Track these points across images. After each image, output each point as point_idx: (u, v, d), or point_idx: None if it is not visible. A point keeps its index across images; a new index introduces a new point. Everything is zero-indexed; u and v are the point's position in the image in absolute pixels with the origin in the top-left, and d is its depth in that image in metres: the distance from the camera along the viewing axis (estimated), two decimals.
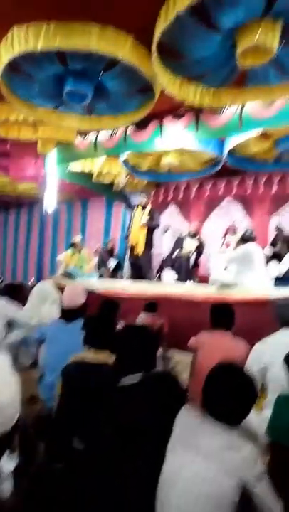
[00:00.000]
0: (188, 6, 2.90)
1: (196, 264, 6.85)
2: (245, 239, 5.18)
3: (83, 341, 2.15)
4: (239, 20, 3.13)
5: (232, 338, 2.75)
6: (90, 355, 2.07)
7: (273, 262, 5.67)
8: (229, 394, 1.40)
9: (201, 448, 1.34)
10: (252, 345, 2.71)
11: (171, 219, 8.26)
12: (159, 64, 3.60)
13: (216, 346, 2.64)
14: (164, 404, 1.54)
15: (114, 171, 7.68)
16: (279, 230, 6.43)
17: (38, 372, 3.18)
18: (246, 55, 3.32)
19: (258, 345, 2.48)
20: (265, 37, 3.12)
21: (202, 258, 7.10)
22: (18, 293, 3.93)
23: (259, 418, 2.25)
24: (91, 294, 5.06)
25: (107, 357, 2.05)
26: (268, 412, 2.23)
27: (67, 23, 3.43)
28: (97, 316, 2.28)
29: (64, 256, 7.33)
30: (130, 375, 1.56)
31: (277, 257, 5.61)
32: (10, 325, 3.87)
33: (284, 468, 1.55)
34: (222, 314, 2.85)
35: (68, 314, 2.86)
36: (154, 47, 3.40)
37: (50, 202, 7.33)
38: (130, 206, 6.95)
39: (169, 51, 3.58)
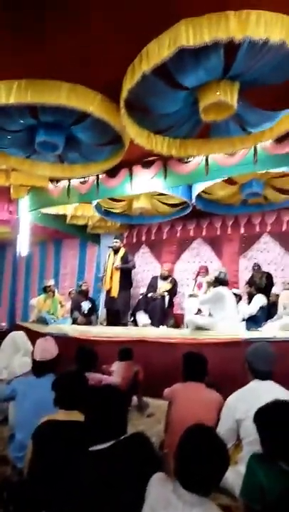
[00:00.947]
0: (153, 66, 3.09)
1: (171, 304, 6.88)
2: (218, 281, 5.29)
3: (54, 402, 2.10)
4: (201, 80, 3.36)
5: (205, 389, 2.74)
6: (61, 417, 2.01)
7: (244, 303, 5.79)
8: (201, 468, 1.37)
9: None
10: (226, 386, 2.71)
11: (144, 260, 8.35)
12: (127, 118, 3.78)
13: (189, 399, 2.62)
14: (136, 468, 1.51)
15: (87, 213, 7.80)
16: (254, 269, 6.56)
17: (8, 430, 3.05)
18: (208, 110, 3.55)
19: (230, 399, 2.47)
20: (225, 95, 3.35)
21: (176, 298, 7.15)
22: None
23: (234, 473, 2.22)
24: (64, 340, 4.99)
25: (79, 416, 2.00)
26: (242, 468, 2.20)
27: (39, 80, 3.59)
28: (65, 376, 2.22)
29: (36, 301, 7.21)
30: (100, 443, 1.53)
31: (250, 297, 5.72)
32: None
33: None
34: (194, 365, 2.84)
35: (40, 368, 2.78)
36: (121, 103, 3.58)
37: (23, 245, 7.29)
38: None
39: (136, 107, 3.77)
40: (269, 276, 6.38)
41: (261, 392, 2.33)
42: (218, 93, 3.38)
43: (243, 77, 3.39)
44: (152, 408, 4.35)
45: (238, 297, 5.88)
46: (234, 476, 2.16)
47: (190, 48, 2.86)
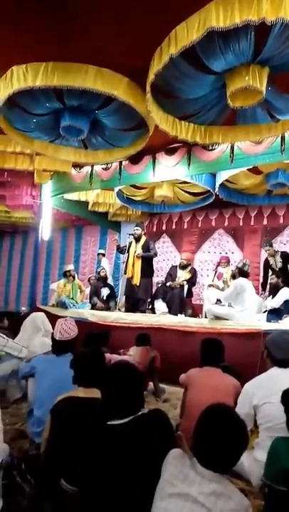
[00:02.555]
0: (181, 49, 3.04)
1: (190, 294, 6.84)
2: (241, 272, 5.23)
3: (72, 380, 2.13)
4: (229, 64, 3.28)
5: (222, 374, 2.74)
6: (81, 394, 2.04)
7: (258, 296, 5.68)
8: (219, 445, 1.38)
9: (191, 495, 1.31)
10: (243, 377, 2.70)
11: (164, 249, 8.35)
12: (152, 103, 3.75)
13: (205, 384, 2.62)
14: (152, 444, 1.52)
15: (108, 200, 7.82)
16: (265, 245, 6.36)
17: (27, 406, 3.13)
18: (236, 96, 3.47)
19: (248, 386, 2.47)
20: (254, 80, 3.27)
21: (195, 289, 7.11)
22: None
23: (250, 458, 2.22)
24: (83, 324, 5.05)
25: (98, 394, 2.02)
26: (258, 453, 2.21)
27: (65, 63, 3.59)
28: (85, 353, 2.25)
29: (56, 285, 7.31)
30: (118, 419, 1.55)
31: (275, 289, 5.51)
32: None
33: None
34: (212, 350, 2.84)
35: (59, 347, 2.83)
36: (148, 87, 3.54)
37: (45, 230, 7.39)
38: (122, 251, 7.01)
39: (163, 91, 3.73)
40: (285, 256, 6.10)
41: (280, 379, 2.31)
42: (246, 78, 3.30)
43: (273, 62, 3.30)
44: (168, 394, 4.38)
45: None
46: (250, 461, 2.17)
47: (220, 29, 2.80)
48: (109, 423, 1.56)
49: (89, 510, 1.49)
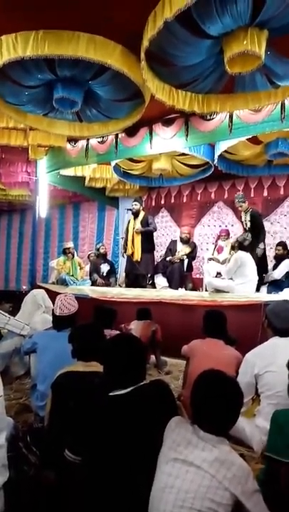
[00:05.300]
0: (176, 13, 2.91)
1: (190, 268, 6.84)
2: (241, 245, 5.21)
3: (72, 354, 2.14)
4: (227, 27, 3.15)
5: (224, 346, 2.76)
6: (80, 368, 2.05)
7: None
8: (214, 405, 1.42)
9: (194, 461, 1.35)
10: (243, 348, 2.72)
11: (163, 224, 8.29)
12: (147, 71, 3.62)
13: (208, 354, 2.63)
14: (154, 412, 1.54)
15: (105, 175, 7.69)
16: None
17: (30, 381, 3.17)
18: (234, 62, 3.35)
19: (249, 355, 2.49)
20: (253, 44, 3.14)
21: (195, 263, 7.10)
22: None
23: (252, 425, 2.27)
24: (84, 301, 5.07)
25: (97, 367, 2.03)
26: (260, 420, 2.25)
27: (56, 31, 3.45)
28: (83, 327, 2.25)
29: (56, 263, 7.29)
30: (120, 389, 1.56)
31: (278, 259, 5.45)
32: (1, 334, 3.86)
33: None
34: (214, 322, 2.86)
35: (59, 323, 2.84)
36: (142, 54, 3.41)
37: (42, 207, 7.31)
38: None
39: (158, 58, 3.60)
40: (254, 215, 5.86)
41: (280, 348, 2.33)
42: (244, 42, 3.17)
43: (272, 24, 3.16)
44: (170, 366, 4.44)
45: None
46: (251, 428, 2.21)
47: None
48: (111, 394, 1.57)
49: (93, 478, 1.52)
